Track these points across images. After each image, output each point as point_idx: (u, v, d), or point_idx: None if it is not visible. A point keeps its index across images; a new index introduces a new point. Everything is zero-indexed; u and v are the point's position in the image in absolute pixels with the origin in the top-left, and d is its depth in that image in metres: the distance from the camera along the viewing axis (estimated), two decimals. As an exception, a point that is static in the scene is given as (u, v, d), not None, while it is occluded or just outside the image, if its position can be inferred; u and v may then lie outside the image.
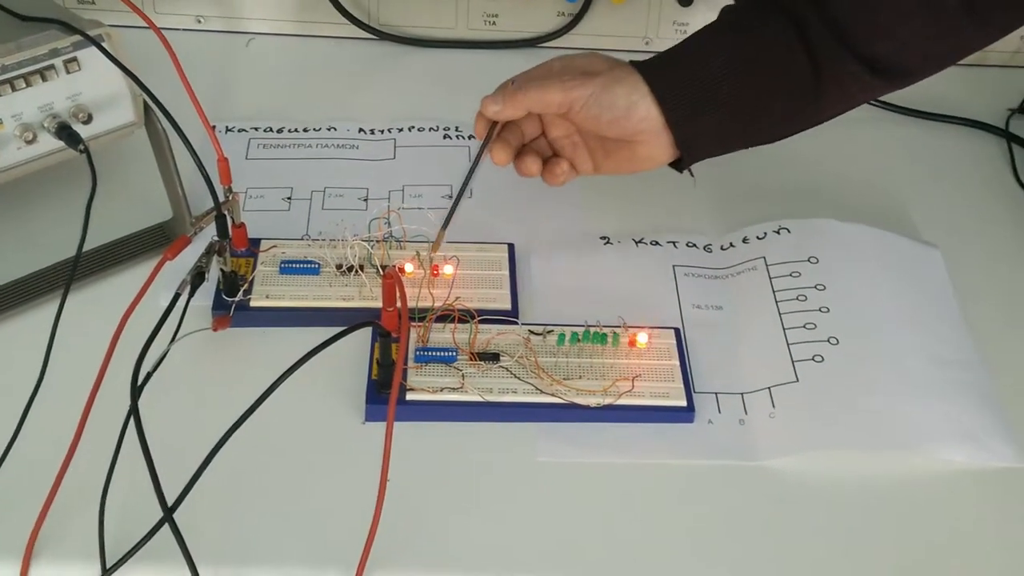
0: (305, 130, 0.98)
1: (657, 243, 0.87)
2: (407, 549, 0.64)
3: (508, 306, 0.79)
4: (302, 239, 0.84)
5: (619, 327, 0.76)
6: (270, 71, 1.08)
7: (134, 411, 0.61)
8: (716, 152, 0.78)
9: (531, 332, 0.76)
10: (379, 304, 0.68)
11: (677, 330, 0.78)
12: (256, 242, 0.82)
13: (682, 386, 0.74)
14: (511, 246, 0.84)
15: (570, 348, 0.75)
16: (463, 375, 0.73)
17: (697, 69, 0.74)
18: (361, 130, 0.99)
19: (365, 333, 0.74)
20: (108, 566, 0.62)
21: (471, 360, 0.74)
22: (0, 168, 0.75)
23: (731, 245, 0.86)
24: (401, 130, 0.99)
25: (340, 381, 0.74)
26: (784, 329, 0.78)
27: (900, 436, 0.72)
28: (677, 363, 0.75)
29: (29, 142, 0.74)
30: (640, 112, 0.74)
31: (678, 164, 0.78)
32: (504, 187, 0.83)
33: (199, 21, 1.10)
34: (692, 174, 0.79)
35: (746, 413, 0.74)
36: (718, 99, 0.74)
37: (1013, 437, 0.73)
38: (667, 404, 0.73)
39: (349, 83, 1.07)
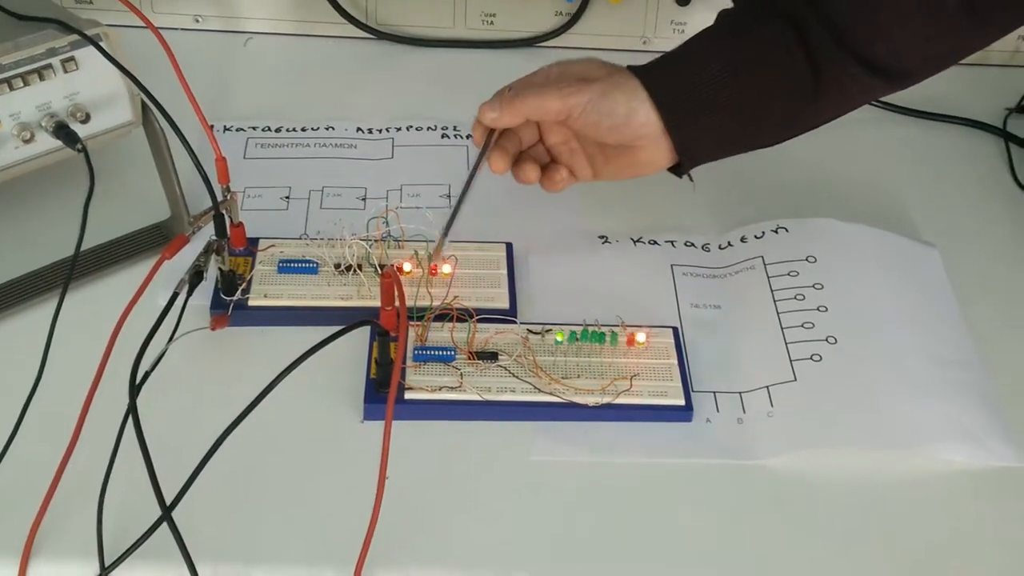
0: (303, 129, 0.98)
1: (655, 242, 0.87)
2: (406, 547, 0.64)
3: (506, 305, 0.79)
4: (300, 238, 0.84)
5: (617, 326, 0.76)
6: (268, 71, 1.08)
7: (132, 410, 0.61)
8: (716, 156, 0.78)
9: (529, 331, 0.76)
10: (377, 303, 0.68)
11: (675, 329, 0.78)
12: (254, 241, 0.82)
13: (680, 385, 0.74)
14: (509, 245, 0.84)
15: (568, 347, 0.75)
16: (461, 374, 0.73)
17: (696, 73, 0.74)
18: (359, 129, 0.99)
19: (363, 332, 0.74)
20: (106, 564, 0.62)
21: (469, 359, 0.74)
22: (-2, 167, 0.75)
23: (729, 244, 0.86)
24: (399, 129, 0.99)
25: (338, 380, 0.74)
26: (782, 328, 0.78)
27: (899, 435, 0.72)
28: (675, 362, 0.75)
29: (27, 141, 0.74)
30: (639, 118, 0.74)
31: (677, 169, 0.78)
32: (502, 186, 0.83)
33: (197, 21, 1.10)
34: (691, 179, 0.79)
35: (744, 412, 0.74)
36: (717, 103, 0.74)
37: (1012, 437, 0.73)
38: (665, 403, 0.73)
39: (347, 82, 1.07)
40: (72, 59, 0.74)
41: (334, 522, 0.65)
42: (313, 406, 0.72)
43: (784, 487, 0.70)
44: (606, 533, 0.67)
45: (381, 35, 1.11)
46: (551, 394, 0.72)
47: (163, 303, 0.68)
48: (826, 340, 0.77)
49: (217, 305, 0.78)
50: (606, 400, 0.72)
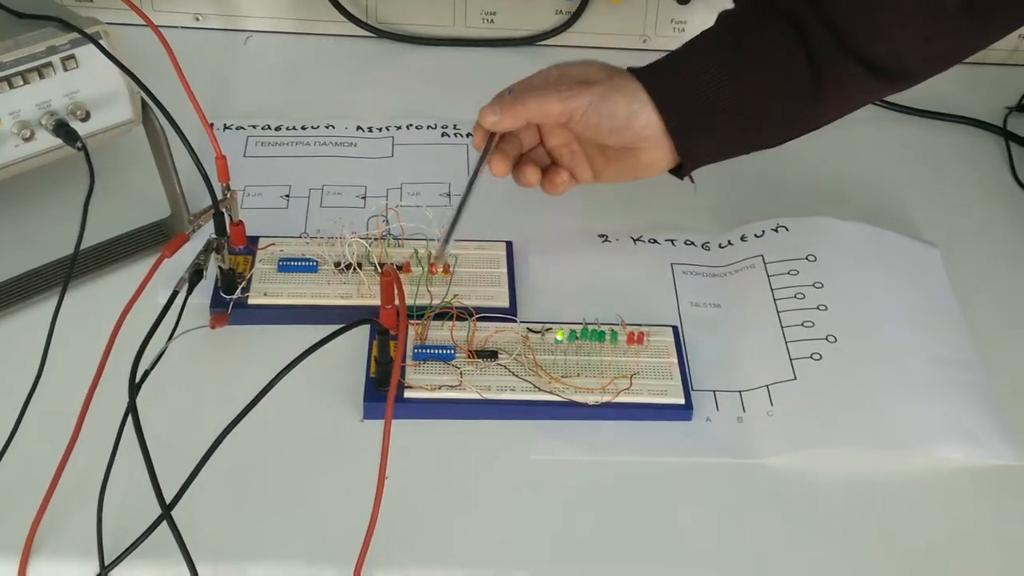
0: (303, 128, 0.98)
1: (655, 241, 0.87)
2: (405, 546, 0.64)
3: (506, 304, 0.79)
4: (300, 237, 0.84)
5: (617, 325, 0.76)
6: (268, 69, 1.08)
7: (132, 408, 0.61)
8: (717, 158, 0.78)
9: (529, 330, 0.76)
10: (377, 302, 0.68)
11: (675, 328, 0.78)
12: (254, 240, 0.82)
13: (680, 384, 0.74)
14: (509, 244, 0.84)
15: (568, 346, 0.75)
16: (461, 373, 0.73)
17: (696, 75, 0.74)
18: (359, 128, 0.99)
19: (363, 331, 0.75)
20: (106, 563, 0.62)
21: (469, 358, 0.74)
22: (-2, 165, 0.75)
23: (729, 243, 0.86)
24: (399, 128, 0.99)
25: (338, 379, 0.74)
26: (782, 327, 0.78)
27: (898, 434, 0.72)
28: (675, 361, 0.75)
29: (27, 139, 0.74)
30: (640, 120, 0.74)
31: (678, 170, 0.78)
32: (502, 185, 0.83)
33: (197, 19, 1.10)
34: (693, 181, 0.79)
35: (744, 411, 0.74)
36: (718, 105, 0.74)
37: (1011, 436, 0.73)
38: (665, 402, 0.73)
39: (347, 81, 1.07)
40: (72, 57, 0.74)
41: (334, 521, 0.65)
42: (313, 405, 0.72)
43: (784, 486, 0.70)
44: (606, 532, 0.67)
45: (381, 33, 1.11)
46: (551, 393, 0.72)
47: (163, 301, 0.68)
48: (826, 339, 0.77)
49: (217, 303, 0.78)
50: (606, 399, 0.72)
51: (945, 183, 0.97)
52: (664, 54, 0.77)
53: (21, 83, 0.73)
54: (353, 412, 0.72)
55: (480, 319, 0.76)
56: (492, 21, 1.10)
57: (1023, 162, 0.99)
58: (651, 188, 0.82)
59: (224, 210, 0.75)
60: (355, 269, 0.79)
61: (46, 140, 0.75)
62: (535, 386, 0.73)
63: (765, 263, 0.83)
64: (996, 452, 0.72)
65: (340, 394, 0.73)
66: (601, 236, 0.87)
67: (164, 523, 0.59)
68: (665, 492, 0.69)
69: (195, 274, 0.71)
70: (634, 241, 0.87)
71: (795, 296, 0.80)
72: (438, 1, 1.09)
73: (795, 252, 0.83)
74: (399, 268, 0.79)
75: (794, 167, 0.86)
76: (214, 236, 0.75)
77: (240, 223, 0.79)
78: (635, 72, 0.75)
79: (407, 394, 0.72)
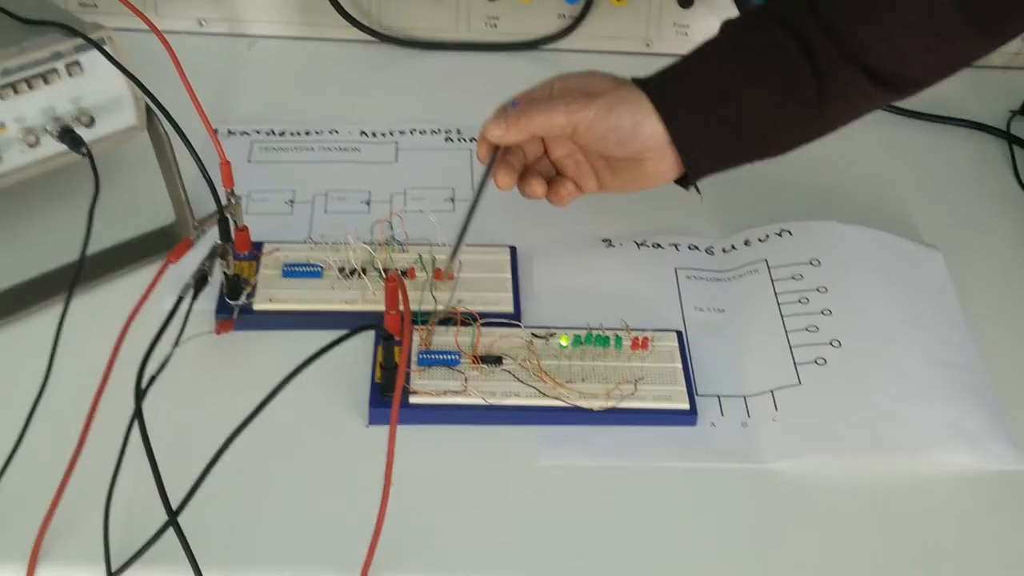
0: (307, 133, 0.98)
1: (659, 245, 0.87)
2: (411, 552, 0.64)
3: (511, 309, 0.79)
4: (305, 242, 0.84)
5: (621, 330, 0.76)
6: (272, 74, 1.08)
7: (138, 415, 0.61)
8: (722, 167, 0.78)
9: (534, 335, 0.76)
10: (382, 307, 0.68)
11: (679, 333, 0.78)
12: (259, 245, 0.82)
13: (684, 389, 0.74)
14: (513, 249, 0.84)
15: (572, 351, 0.75)
16: (466, 378, 0.73)
17: (700, 85, 0.74)
18: (363, 133, 0.99)
19: (368, 336, 0.74)
20: (113, 569, 0.62)
21: (474, 363, 0.74)
22: (2, 172, 0.75)
23: (733, 247, 0.87)
24: (403, 133, 0.99)
25: (343, 384, 0.74)
26: (786, 332, 0.78)
27: (902, 439, 0.72)
28: (679, 366, 0.75)
29: (32, 145, 0.75)
30: (645, 131, 0.74)
31: (684, 180, 0.78)
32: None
33: (201, 24, 1.10)
34: (698, 190, 0.79)
35: (748, 416, 0.74)
36: (723, 115, 0.74)
37: (1014, 439, 0.73)
38: (670, 407, 0.73)
39: (351, 86, 1.07)
40: (77, 63, 0.74)
41: (339, 527, 0.65)
42: (318, 410, 0.72)
43: (789, 491, 0.70)
44: (611, 537, 0.67)
45: (385, 38, 1.11)
46: (556, 398, 0.73)
47: (168, 308, 0.68)
48: (830, 343, 0.77)
49: (222, 309, 0.78)
50: (610, 404, 0.72)
51: (948, 187, 0.97)
52: (667, 58, 0.77)
53: (26, 89, 0.73)
54: (358, 418, 0.72)
55: (485, 324, 0.76)
56: (495, 26, 1.10)
57: (1026, 165, 0.99)
58: (655, 193, 0.82)
59: (229, 216, 0.75)
60: (359, 275, 0.79)
61: (51, 146, 0.76)
62: (540, 391, 0.73)
63: (769, 267, 0.83)
64: (1000, 456, 0.72)
65: (345, 400, 0.73)
66: (605, 241, 0.87)
67: (170, 529, 0.59)
68: (670, 497, 0.69)
69: (200, 280, 0.71)
70: (638, 246, 0.87)
71: (799, 300, 0.80)
72: (441, 6, 1.09)
73: (799, 256, 0.84)
74: (403, 273, 0.79)
75: (797, 171, 0.86)
76: (219, 242, 0.75)
77: (244, 229, 0.79)
78: (639, 83, 0.75)
79: (412, 400, 0.72)
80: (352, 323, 0.63)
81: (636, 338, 0.76)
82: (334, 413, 0.73)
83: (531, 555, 0.66)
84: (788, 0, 0.74)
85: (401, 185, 0.92)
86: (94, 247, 0.76)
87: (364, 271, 0.79)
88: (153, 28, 0.75)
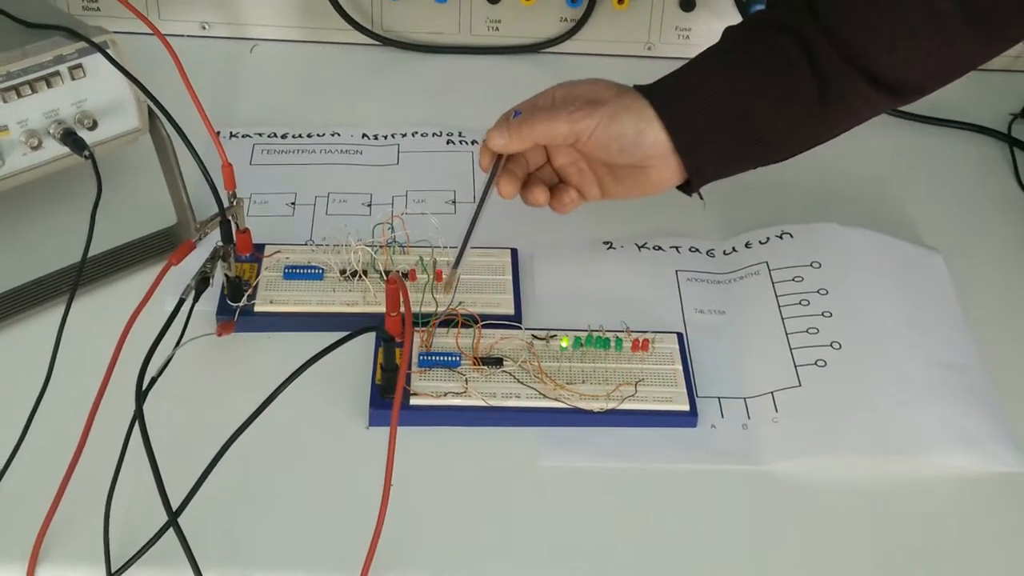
0: (309, 135, 0.98)
1: (660, 248, 0.87)
2: (411, 554, 0.65)
3: (511, 311, 0.79)
4: (306, 244, 0.84)
5: (622, 332, 0.76)
6: (274, 77, 1.08)
7: (139, 416, 0.61)
8: (725, 174, 0.78)
9: (534, 337, 0.76)
10: (383, 309, 0.68)
11: (680, 335, 0.78)
12: (260, 247, 0.82)
13: (685, 391, 0.74)
14: (514, 251, 0.84)
15: (573, 353, 0.75)
16: (466, 380, 0.73)
17: (702, 92, 0.74)
18: (365, 135, 0.99)
19: (369, 338, 0.75)
20: (113, 570, 0.62)
21: (474, 365, 0.74)
22: (6, 174, 0.75)
23: (734, 250, 0.87)
24: (404, 135, 0.99)
25: (344, 386, 0.74)
26: (787, 334, 0.78)
27: (903, 441, 0.72)
28: (680, 368, 0.75)
29: (35, 148, 0.75)
30: (648, 138, 0.74)
31: (687, 187, 0.78)
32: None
33: (203, 27, 1.11)
34: (701, 197, 0.79)
35: (749, 418, 0.74)
36: (725, 121, 0.74)
37: (1016, 441, 0.73)
38: (670, 409, 0.73)
39: (353, 89, 1.07)
40: (79, 66, 0.75)
41: (339, 528, 0.66)
42: (318, 412, 0.73)
43: (789, 493, 0.70)
44: (612, 538, 0.67)
45: (387, 41, 1.11)
46: (556, 400, 0.73)
47: (170, 309, 0.68)
48: (830, 345, 0.77)
49: (223, 311, 0.78)
50: (611, 406, 0.73)
51: (949, 189, 0.97)
52: (668, 61, 0.77)
53: (29, 92, 0.73)
54: (358, 419, 0.72)
55: (485, 326, 0.76)
56: (497, 29, 1.11)
57: (1027, 168, 0.99)
58: (656, 196, 0.82)
59: (230, 218, 0.75)
60: (360, 277, 0.79)
61: (54, 149, 0.76)
62: (540, 393, 0.73)
63: (769, 270, 0.83)
64: (1001, 458, 0.72)
65: (345, 401, 0.73)
66: (606, 243, 0.87)
67: (171, 530, 0.59)
68: (670, 499, 0.69)
69: (201, 282, 0.71)
70: (639, 248, 0.87)
71: (799, 303, 0.80)
72: (443, 9, 1.09)
73: (799, 259, 0.84)
74: (404, 275, 0.79)
75: (798, 173, 0.86)
76: (220, 244, 0.75)
77: (246, 231, 0.79)
78: (642, 90, 0.75)
79: (412, 401, 0.72)
80: (353, 325, 0.63)
81: (637, 340, 0.76)
82: (334, 414, 0.73)
83: (531, 555, 0.66)
84: (789, 5, 0.74)
85: (402, 187, 0.93)
86: (96, 249, 0.77)
87: (365, 273, 0.79)
88: (156, 31, 0.75)
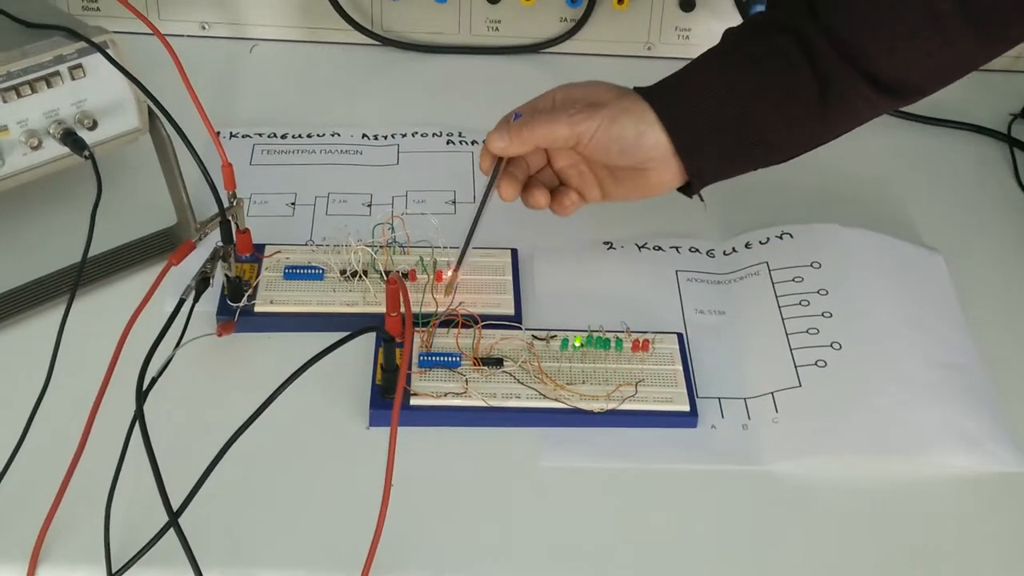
0: (309, 136, 0.98)
1: (660, 248, 0.87)
2: (411, 554, 0.65)
3: (512, 311, 0.79)
4: (306, 244, 0.84)
5: (622, 332, 0.76)
6: (274, 77, 1.08)
7: (139, 416, 0.61)
8: (726, 175, 0.78)
9: (534, 337, 0.76)
10: (383, 309, 0.68)
11: (680, 335, 0.78)
12: (260, 248, 0.82)
13: (685, 391, 0.74)
14: (514, 251, 0.84)
15: (573, 353, 0.75)
16: (467, 380, 0.73)
17: (703, 93, 0.74)
18: (365, 136, 0.99)
19: (369, 338, 0.75)
20: (114, 570, 0.62)
21: (475, 365, 0.74)
22: (6, 174, 0.75)
23: (734, 250, 0.87)
24: (404, 136, 0.99)
25: (344, 386, 0.74)
26: (787, 334, 0.78)
27: (903, 441, 0.72)
28: (680, 368, 0.75)
29: (35, 148, 0.75)
30: (649, 141, 0.74)
31: (687, 188, 0.78)
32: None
33: (203, 27, 1.11)
34: (702, 199, 0.79)
35: (749, 418, 0.74)
36: (725, 123, 0.74)
37: (1016, 442, 0.73)
38: (670, 409, 0.73)
39: (353, 89, 1.07)
40: (79, 66, 0.75)
41: (340, 529, 0.66)
42: (319, 412, 0.72)
43: (789, 493, 0.70)
44: (612, 538, 0.67)
45: (386, 41, 1.11)
46: (556, 400, 0.73)
47: (170, 309, 0.68)
48: (831, 346, 0.77)
49: (223, 311, 0.78)
50: (611, 406, 0.73)
51: (949, 189, 0.97)
52: (668, 61, 0.77)
53: (29, 92, 0.73)
54: (359, 419, 0.72)
55: (485, 326, 0.76)
56: (497, 29, 1.11)
57: (1027, 168, 0.99)
58: (656, 197, 0.83)
59: (230, 218, 0.75)
60: (361, 277, 0.79)
61: (54, 149, 0.76)
62: (540, 393, 0.73)
63: (770, 270, 0.83)
64: (1001, 458, 0.72)
65: (346, 401, 0.73)
66: (606, 243, 0.87)
67: (171, 530, 0.60)
68: (670, 499, 0.69)
69: (202, 282, 0.71)
70: (639, 248, 0.87)
71: (800, 303, 0.80)
72: (443, 9, 1.09)
73: (799, 259, 0.84)
74: (404, 276, 0.79)
75: (798, 174, 0.86)
76: (220, 244, 0.75)
77: (246, 231, 0.79)
78: (642, 92, 0.75)
79: (412, 401, 0.72)
80: (353, 325, 0.63)
81: (637, 340, 0.76)
82: (335, 415, 0.73)
83: (531, 556, 0.66)
84: (789, 6, 0.74)
85: (402, 187, 0.93)
86: (96, 249, 0.77)
87: (365, 273, 0.79)
88: (156, 31, 0.75)
